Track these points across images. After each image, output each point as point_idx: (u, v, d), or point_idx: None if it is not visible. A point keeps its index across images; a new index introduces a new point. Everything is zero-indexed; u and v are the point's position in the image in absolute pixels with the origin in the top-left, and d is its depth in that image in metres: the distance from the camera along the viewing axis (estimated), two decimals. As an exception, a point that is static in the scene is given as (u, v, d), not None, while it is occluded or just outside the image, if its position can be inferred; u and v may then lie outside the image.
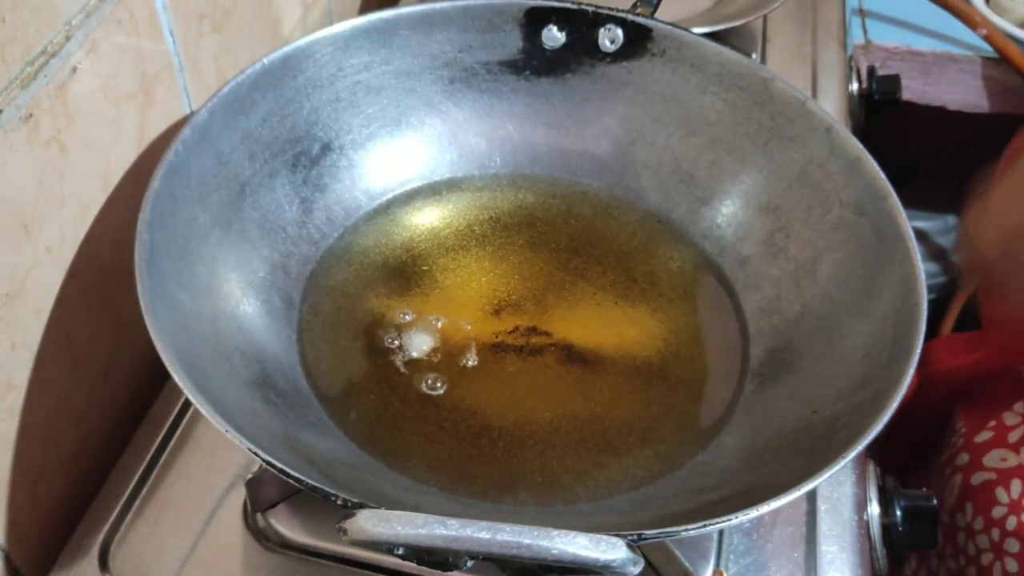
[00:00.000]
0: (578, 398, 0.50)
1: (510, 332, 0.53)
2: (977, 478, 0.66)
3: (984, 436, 0.67)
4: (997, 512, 0.63)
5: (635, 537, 0.35)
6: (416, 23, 0.57)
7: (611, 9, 0.58)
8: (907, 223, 0.49)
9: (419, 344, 0.52)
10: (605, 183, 0.60)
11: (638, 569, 0.35)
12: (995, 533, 0.63)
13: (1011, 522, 0.62)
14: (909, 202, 0.51)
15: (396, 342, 0.52)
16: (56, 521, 0.51)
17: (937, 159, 0.98)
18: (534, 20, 0.58)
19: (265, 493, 0.47)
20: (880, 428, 0.40)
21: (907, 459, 0.77)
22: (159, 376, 0.55)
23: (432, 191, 0.59)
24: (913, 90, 0.88)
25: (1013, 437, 0.65)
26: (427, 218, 0.58)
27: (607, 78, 0.59)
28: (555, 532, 0.34)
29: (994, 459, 0.65)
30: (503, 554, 0.34)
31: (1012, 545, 0.62)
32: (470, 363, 0.51)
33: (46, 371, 0.47)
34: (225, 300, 0.49)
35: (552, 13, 0.58)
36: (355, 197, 0.58)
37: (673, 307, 0.55)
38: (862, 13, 0.90)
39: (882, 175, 0.51)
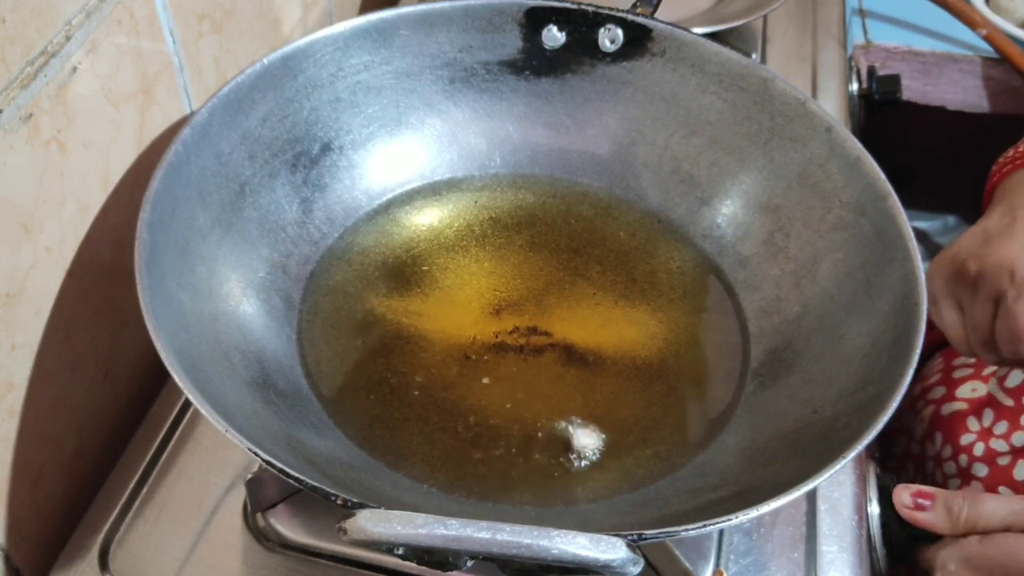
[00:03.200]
0: (578, 398, 0.50)
1: (510, 332, 0.53)
2: (947, 408, 0.67)
3: (962, 372, 0.69)
4: (966, 439, 0.65)
5: (635, 537, 0.35)
6: (416, 23, 0.57)
7: (611, 9, 0.58)
8: (907, 223, 0.49)
9: (420, 345, 0.52)
10: (605, 183, 0.60)
11: (638, 569, 0.35)
12: (963, 459, 0.65)
13: (979, 448, 0.64)
14: (909, 202, 0.51)
15: (397, 342, 0.52)
16: (56, 521, 0.51)
17: (937, 159, 0.98)
18: (534, 20, 0.58)
19: (265, 493, 0.47)
20: (880, 428, 0.40)
21: None
22: (159, 376, 0.56)
23: (432, 191, 0.59)
24: (913, 90, 0.88)
25: (988, 371, 0.67)
26: (427, 218, 0.58)
27: (607, 78, 0.59)
28: (555, 532, 0.34)
29: (966, 391, 0.67)
30: (503, 554, 0.34)
31: (980, 470, 0.63)
32: (470, 363, 0.51)
33: (46, 371, 0.47)
34: (225, 300, 0.49)
35: (552, 13, 0.58)
36: (355, 197, 0.57)
37: (673, 307, 0.55)
38: (862, 13, 0.90)
39: (882, 175, 0.51)
